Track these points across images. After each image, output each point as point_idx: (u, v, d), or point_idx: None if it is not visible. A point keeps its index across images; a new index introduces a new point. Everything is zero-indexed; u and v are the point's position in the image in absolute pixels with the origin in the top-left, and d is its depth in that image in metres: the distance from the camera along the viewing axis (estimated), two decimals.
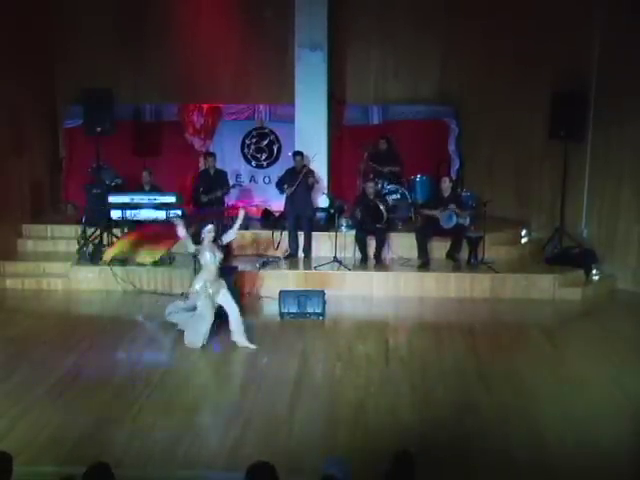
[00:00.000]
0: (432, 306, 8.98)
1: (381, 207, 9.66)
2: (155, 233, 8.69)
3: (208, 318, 7.36)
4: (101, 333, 7.92)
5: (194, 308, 7.52)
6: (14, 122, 10.28)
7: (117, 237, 9.69)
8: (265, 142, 11.76)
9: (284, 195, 10.05)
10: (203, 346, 7.35)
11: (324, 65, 10.45)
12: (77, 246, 9.79)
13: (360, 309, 8.94)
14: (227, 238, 7.74)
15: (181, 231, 7.35)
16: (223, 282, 7.57)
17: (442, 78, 11.60)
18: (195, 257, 7.86)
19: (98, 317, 8.68)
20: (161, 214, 9.53)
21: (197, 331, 7.37)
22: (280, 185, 10.09)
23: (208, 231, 7.37)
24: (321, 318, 8.39)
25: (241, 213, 7.88)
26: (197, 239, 7.44)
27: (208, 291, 7.38)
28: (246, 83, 11.69)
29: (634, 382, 6.65)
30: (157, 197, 9.63)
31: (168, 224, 8.11)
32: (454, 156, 11.55)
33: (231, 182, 10.48)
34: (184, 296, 8.25)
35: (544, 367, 7.01)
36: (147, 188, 9.90)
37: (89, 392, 6.36)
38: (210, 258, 7.35)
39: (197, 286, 7.41)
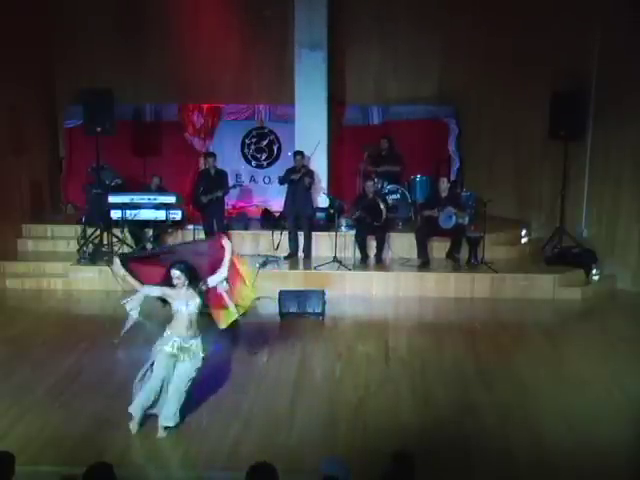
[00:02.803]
0: (432, 306, 8.98)
1: (381, 205, 9.66)
2: None
3: (153, 384, 5.60)
4: (101, 333, 7.91)
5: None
6: (14, 122, 10.28)
7: (118, 238, 9.72)
8: (265, 142, 11.77)
9: (284, 194, 10.05)
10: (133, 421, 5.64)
11: (324, 65, 10.45)
12: (77, 246, 9.80)
13: (360, 309, 8.94)
14: (213, 281, 5.74)
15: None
16: (198, 345, 5.66)
17: (442, 78, 11.60)
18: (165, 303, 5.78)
19: (98, 317, 8.67)
20: (161, 214, 9.55)
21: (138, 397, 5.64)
22: (284, 178, 10.01)
23: (177, 277, 5.49)
24: (321, 318, 8.39)
25: (226, 260, 5.82)
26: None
27: (169, 349, 5.58)
28: (246, 83, 11.70)
29: (634, 382, 6.65)
30: (157, 197, 9.64)
31: None
32: (454, 156, 11.56)
33: (231, 182, 10.48)
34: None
35: (544, 367, 7.01)
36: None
37: (89, 392, 6.36)
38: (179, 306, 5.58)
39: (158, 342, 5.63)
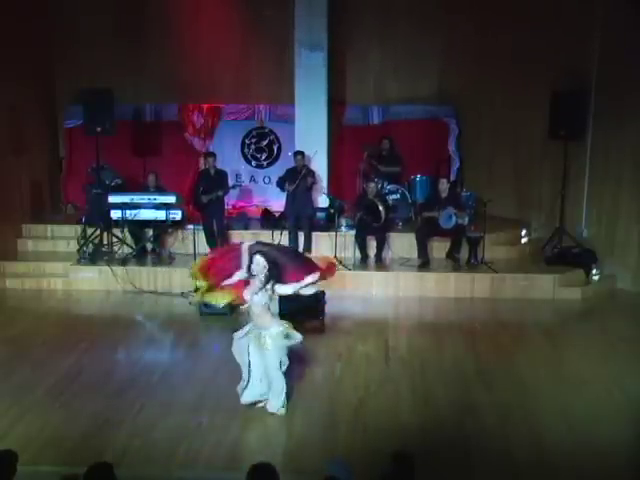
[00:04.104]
0: (432, 306, 8.97)
1: (380, 207, 9.65)
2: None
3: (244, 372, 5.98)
4: (101, 333, 7.92)
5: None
6: (14, 122, 10.28)
7: (118, 238, 9.72)
8: (265, 142, 11.77)
9: (285, 194, 10.06)
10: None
11: (324, 65, 10.45)
12: (77, 246, 9.80)
13: (360, 309, 8.93)
14: (281, 289, 5.88)
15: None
16: (277, 334, 5.87)
17: (442, 78, 11.59)
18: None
19: (98, 317, 8.68)
20: (161, 214, 9.55)
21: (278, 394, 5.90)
22: (281, 183, 10.10)
23: (257, 263, 5.65)
24: (321, 318, 8.37)
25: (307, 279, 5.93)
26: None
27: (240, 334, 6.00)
28: (246, 83, 11.70)
29: (634, 382, 6.65)
30: (157, 197, 9.64)
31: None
32: (454, 156, 11.55)
33: (231, 182, 10.48)
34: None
35: (544, 367, 7.01)
36: (152, 191, 9.90)
37: (89, 392, 6.36)
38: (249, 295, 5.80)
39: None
